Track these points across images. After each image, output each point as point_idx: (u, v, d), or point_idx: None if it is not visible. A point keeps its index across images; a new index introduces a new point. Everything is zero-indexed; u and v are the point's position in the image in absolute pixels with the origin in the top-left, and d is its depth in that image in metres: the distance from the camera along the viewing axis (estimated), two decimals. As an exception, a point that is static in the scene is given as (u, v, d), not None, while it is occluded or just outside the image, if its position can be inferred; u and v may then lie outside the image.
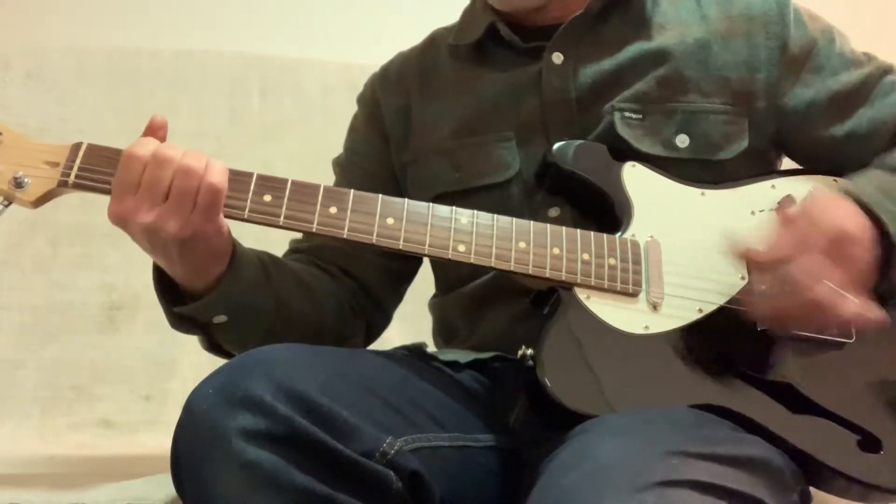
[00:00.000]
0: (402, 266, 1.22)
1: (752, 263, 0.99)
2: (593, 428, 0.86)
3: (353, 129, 1.30)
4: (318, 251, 1.18)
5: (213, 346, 1.09)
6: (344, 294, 1.17)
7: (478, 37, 1.18)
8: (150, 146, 0.93)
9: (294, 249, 1.21)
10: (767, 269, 0.97)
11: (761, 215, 1.08)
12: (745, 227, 1.04)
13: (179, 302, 1.02)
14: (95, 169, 0.95)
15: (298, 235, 1.21)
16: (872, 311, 0.95)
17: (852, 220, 0.97)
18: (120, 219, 0.93)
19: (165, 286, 1.02)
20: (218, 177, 0.93)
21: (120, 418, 1.57)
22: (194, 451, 0.82)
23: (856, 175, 1.06)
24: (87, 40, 1.87)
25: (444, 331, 1.23)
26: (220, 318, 1.02)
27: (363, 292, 1.20)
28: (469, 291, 1.15)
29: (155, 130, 0.96)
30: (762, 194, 1.09)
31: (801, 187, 1.09)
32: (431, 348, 1.15)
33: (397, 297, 1.27)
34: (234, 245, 1.01)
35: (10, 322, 1.60)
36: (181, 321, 1.04)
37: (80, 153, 0.95)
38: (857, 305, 0.94)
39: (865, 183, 1.03)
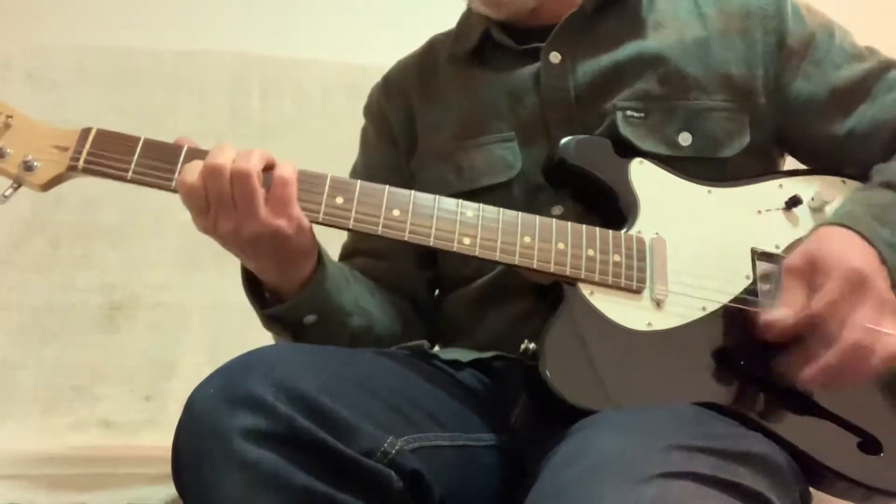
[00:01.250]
0: (437, 273, 1.23)
1: (778, 329, 0.96)
2: (593, 424, 0.86)
3: (365, 144, 1.29)
4: (362, 272, 1.18)
5: None
6: (402, 305, 1.18)
7: (474, 44, 1.18)
8: (197, 167, 0.94)
9: None
10: (796, 328, 0.94)
11: (768, 214, 1.07)
12: (751, 225, 1.04)
13: (266, 305, 1.03)
14: (104, 154, 0.96)
15: None
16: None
17: (857, 254, 0.95)
18: (205, 231, 0.96)
19: (255, 289, 1.04)
20: (287, 170, 0.95)
21: (120, 418, 1.57)
22: (195, 451, 0.82)
23: (849, 199, 1.05)
24: (87, 40, 1.88)
25: (447, 330, 1.22)
26: (311, 318, 1.03)
27: (412, 306, 1.21)
28: (471, 291, 1.15)
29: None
30: (769, 193, 1.09)
31: (808, 187, 1.09)
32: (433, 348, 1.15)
33: (434, 305, 1.27)
34: (318, 245, 1.02)
35: (10, 322, 1.61)
36: (272, 323, 1.05)
37: (90, 138, 0.97)
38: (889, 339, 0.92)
39: (858, 208, 1.02)
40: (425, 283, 1.22)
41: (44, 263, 1.65)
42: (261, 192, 0.93)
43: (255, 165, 0.93)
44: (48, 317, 1.62)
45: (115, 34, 1.96)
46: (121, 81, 1.79)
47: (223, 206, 0.93)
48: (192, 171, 0.94)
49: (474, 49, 1.19)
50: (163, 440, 0.86)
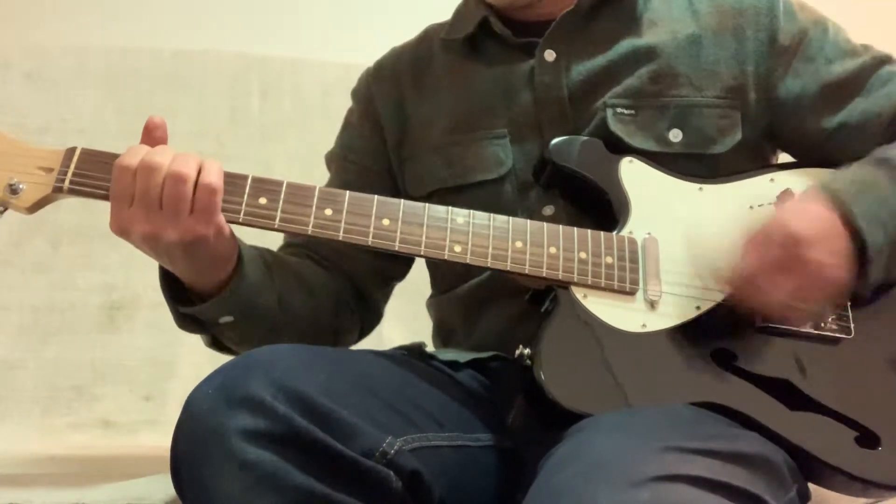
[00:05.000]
0: (392, 266, 1.22)
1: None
2: (590, 425, 0.86)
3: (347, 125, 1.29)
4: (313, 245, 1.18)
5: (215, 344, 1.09)
6: (339, 290, 1.17)
7: (470, 31, 1.18)
8: (139, 155, 0.92)
9: (288, 243, 1.21)
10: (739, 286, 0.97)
11: (760, 209, 1.07)
12: (744, 221, 1.05)
13: (185, 301, 1.02)
14: (90, 174, 0.95)
15: None
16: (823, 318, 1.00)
17: (811, 224, 0.95)
18: (120, 230, 0.94)
19: (171, 285, 1.02)
20: (213, 177, 0.92)
21: (120, 418, 1.57)
22: (194, 451, 0.82)
23: (841, 168, 1.05)
24: (87, 40, 1.88)
25: (443, 331, 1.23)
26: (226, 319, 1.02)
27: (354, 289, 1.20)
28: (466, 291, 1.15)
29: (151, 131, 0.96)
30: (761, 188, 1.08)
31: (800, 180, 1.08)
32: (430, 348, 1.15)
33: (386, 294, 1.27)
34: (239, 246, 1.01)
35: (10, 322, 1.61)
36: (187, 321, 1.04)
37: (74, 158, 0.95)
38: (809, 315, 0.98)
39: (844, 177, 1.02)
40: (370, 269, 1.20)
41: (44, 263, 1.65)
42: (190, 199, 0.91)
43: (192, 171, 0.91)
44: (48, 317, 1.62)
45: (115, 34, 1.96)
46: (121, 81, 1.79)
47: (148, 205, 0.91)
48: (135, 155, 0.92)
49: (469, 37, 1.18)
50: (162, 440, 0.87)
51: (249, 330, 1.05)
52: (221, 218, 0.94)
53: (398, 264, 1.23)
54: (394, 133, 1.22)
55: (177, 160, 0.92)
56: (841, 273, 0.95)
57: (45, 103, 1.73)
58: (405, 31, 1.32)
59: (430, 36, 1.26)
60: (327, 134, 1.72)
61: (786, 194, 1.07)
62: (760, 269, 0.94)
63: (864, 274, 0.98)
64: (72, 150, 0.96)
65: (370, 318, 1.24)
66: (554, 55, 1.13)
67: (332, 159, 1.27)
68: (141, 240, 0.93)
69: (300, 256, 1.17)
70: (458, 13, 1.23)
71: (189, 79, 1.81)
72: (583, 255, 1.00)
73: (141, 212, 0.92)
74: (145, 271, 1.65)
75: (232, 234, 0.98)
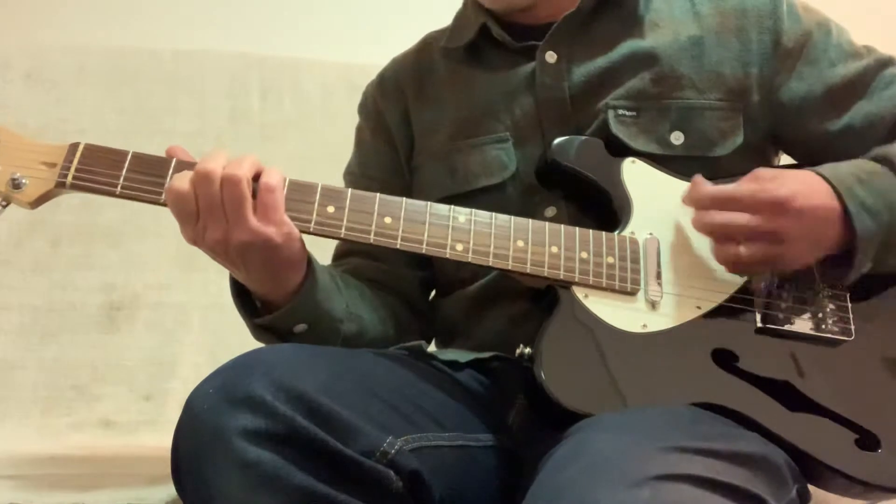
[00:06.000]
0: (430, 274, 1.23)
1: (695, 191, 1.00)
2: (590, 425, 0.86)
3: (360, 143, 1.29)
4: (355, 273, 1.18)
5: None
6: (395, 309, 1.18)
7: (470, 38, 1.18)
8: (188, 173, 0.93)
9: (336, 266, 1.21)
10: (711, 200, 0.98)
11: None
12: None
13: (256, 314, 1.03)
14: (93, 169, 0.95)
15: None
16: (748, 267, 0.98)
17: (808, 194, 0.97)
18: (193, 241, 0.95)
19: (243, 299, 1.03)
20: (273, 178, 0.94)
21: (120, 418, 1.57)
22: (195, 451, 0.82)
23: (842, 162, 1.05)
24: (87, 40, 1.88)
25: (444, 332, 1.23)
26: (301, 327, 1.03)
27: (406, 306, 1.20)
28: (469, 293, 1.15)
29: (178, 155, 0.97)
30: None
31: None
32: (431, 348, 1.15)
33: (429, 303, 1.27)
34: (309, 254, 1.01)
35: (10, 322, 1.61)
36: (262, 332, 1.04)
37: (78, 154, 0.96)
38: (735, 254, 0.96)
39: (844, 167, 1.02)
40: (418, 283, 1.21)
41: (44, 263, 1.65)
42: (250, 199, 0.92)
43: (245, 172, 0.92)
44: (48, 317, 1.62)
45: (115, 34, 1.97)
46: (121, 81, 1.79)
47: (213, 212, 0.92)
48: (181, 179, 0.93)
49: (470, 44, 1.19)
50: (163, 440, 0.87)
51: (324, 339, 1.04)
52: (288, 220, 0.95)
53: (433, 271, 1.23)
54: (404, 145, 1.22)
55: (230, 164, 0.93)
56: (806, 257, 0.98)
57: (45, 103, 1.73)
58: (404, 31, 1.32)
59: (429, 44, 1.26)
60: (327, 134, 1.73)
61: None
62: (737, 195, 0.96)
63: (849, 261, 0.99)
64: (75, 146, 0.96)
65: (425, 328, 1.23)
66: (555, 57, 1.13)
67: (353, 178, 1.27)
68: (212, 247, 0.94)
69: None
70: (458, 20, 1.24)
71: (189, 79, 1.81)
72: (584, 254, 1.00)
73: (208, 221, 0.93)
74: (145, 271, 1.66)
75: (301, 240, 0.98)
